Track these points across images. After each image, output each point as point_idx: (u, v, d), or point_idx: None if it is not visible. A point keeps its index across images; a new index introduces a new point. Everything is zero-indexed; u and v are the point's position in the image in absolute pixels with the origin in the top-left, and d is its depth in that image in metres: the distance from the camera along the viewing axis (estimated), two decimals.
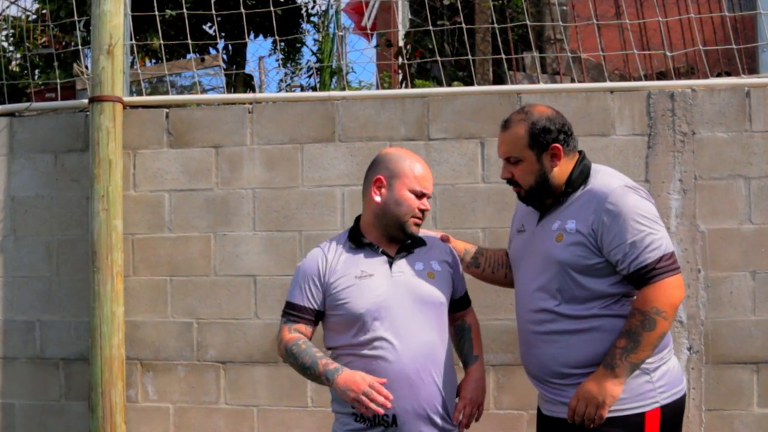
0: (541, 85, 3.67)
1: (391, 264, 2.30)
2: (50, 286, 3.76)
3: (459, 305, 2.48)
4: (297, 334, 2.31)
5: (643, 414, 2.10)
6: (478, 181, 3.48)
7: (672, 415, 2.15)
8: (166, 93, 4.58)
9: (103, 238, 3.54)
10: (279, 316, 3.69)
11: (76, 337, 3.72)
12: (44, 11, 6.80)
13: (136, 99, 3.78)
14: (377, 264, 2.30)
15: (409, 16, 6.86)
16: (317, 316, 2.34)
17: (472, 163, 3.49)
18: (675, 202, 3.37)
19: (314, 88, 7.43)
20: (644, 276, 2.06)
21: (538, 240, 2.23)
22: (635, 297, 2.10)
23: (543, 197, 2.22)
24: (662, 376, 2.15)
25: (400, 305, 2.24)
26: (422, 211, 2.30)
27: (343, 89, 4.48)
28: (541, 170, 2.17)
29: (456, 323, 2.48)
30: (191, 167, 3.67)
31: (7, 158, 3.82)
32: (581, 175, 2.18)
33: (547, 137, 2.15)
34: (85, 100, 3.75)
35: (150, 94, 4.52)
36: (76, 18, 4.30)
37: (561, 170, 2.18)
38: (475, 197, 3.47)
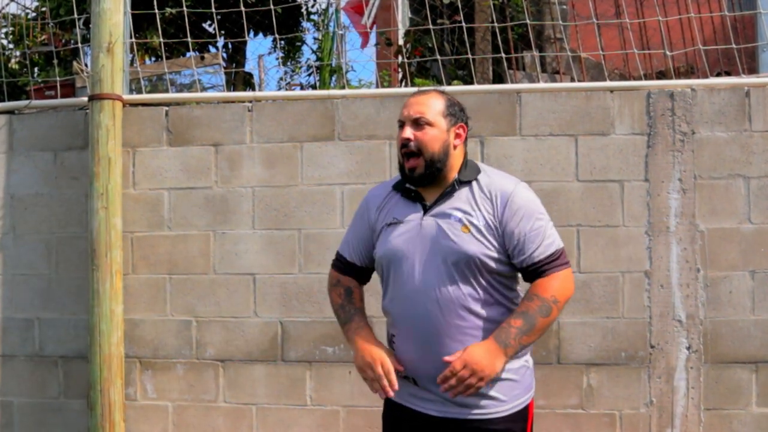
0: (541, 84, 3.67)
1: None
2: (49, 284, 3.75)
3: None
4: None
5: (528, 405, 2.23)
6: None
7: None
8: (166, 91, 4.57)
9: (103, 236, 3.54)
10: (278, 314, 3.68)
11: (75, 335, 3.72)
12: (44, 9, 6.80)
13: (135, 97, 3.78)
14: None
15: (409, 15, 6.86)
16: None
17: None
18: (674, 202, 3.37)
19: (314, 87, 7.43)
20: (541, 266, 2.13)
21: (434, 232, 2.15)
22: (535, 284, 2.14)
23: (435, 177, 2.18)
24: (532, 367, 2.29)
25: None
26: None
27: (343, 88, 4.48)
28: (447, 142, 2.18)
29: None
30: (191, 165, 3.67)
31: (7, 156, 3.82)
32: (470, 169, 2.22)
33: (459, 114, 2.23)
34: (85, 98, 3.75)
35: (149, 92, 4.51)
36: (75, 16, 4.30)
37: (455, 158, 2.21)
38: None
